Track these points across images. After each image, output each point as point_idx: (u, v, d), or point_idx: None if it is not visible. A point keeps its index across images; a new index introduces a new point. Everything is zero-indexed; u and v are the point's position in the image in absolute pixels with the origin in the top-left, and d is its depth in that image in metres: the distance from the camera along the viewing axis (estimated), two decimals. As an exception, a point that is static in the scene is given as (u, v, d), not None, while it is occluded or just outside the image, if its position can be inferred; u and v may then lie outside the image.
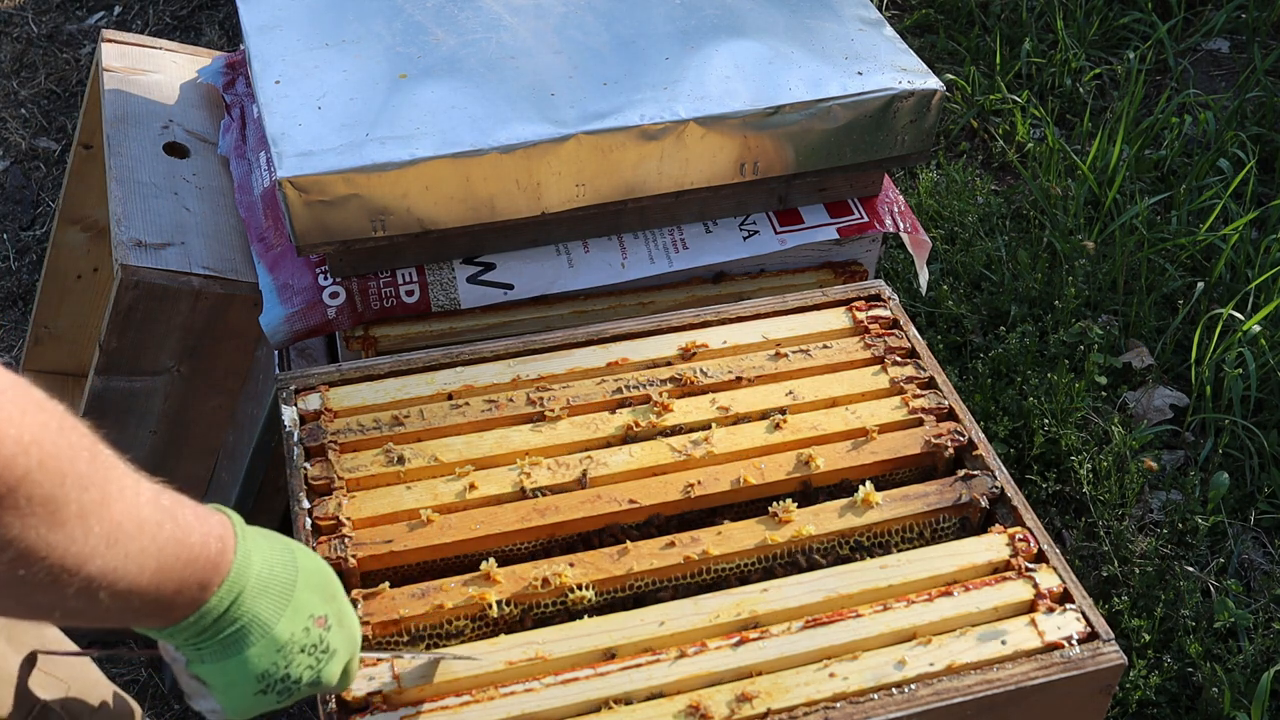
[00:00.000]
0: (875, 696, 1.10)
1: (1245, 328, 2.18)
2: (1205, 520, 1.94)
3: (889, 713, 1.09)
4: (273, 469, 1.78)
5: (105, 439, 0.75)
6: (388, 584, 1.18)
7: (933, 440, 1.33)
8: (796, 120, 1.56)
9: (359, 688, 1.08)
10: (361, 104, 1.50)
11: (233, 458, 1.79)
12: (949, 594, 1.17)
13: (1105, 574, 1.89)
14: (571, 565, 1.20)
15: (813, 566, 1.23)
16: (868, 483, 1.27)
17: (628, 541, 1.22)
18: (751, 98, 1.54)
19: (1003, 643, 1.14)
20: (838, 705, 1.09)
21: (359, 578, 1.21)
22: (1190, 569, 1.89)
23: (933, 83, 1.59)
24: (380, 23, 1.64)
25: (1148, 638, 1.79)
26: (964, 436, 1.33)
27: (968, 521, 1.29)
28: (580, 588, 1.19)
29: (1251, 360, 2.14)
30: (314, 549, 1.19)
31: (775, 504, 1.25)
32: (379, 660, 1.11)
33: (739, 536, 1.23)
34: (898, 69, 1.60)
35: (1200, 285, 2.31)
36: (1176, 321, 2.28)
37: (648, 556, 1.21)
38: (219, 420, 1.79)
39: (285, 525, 1.40)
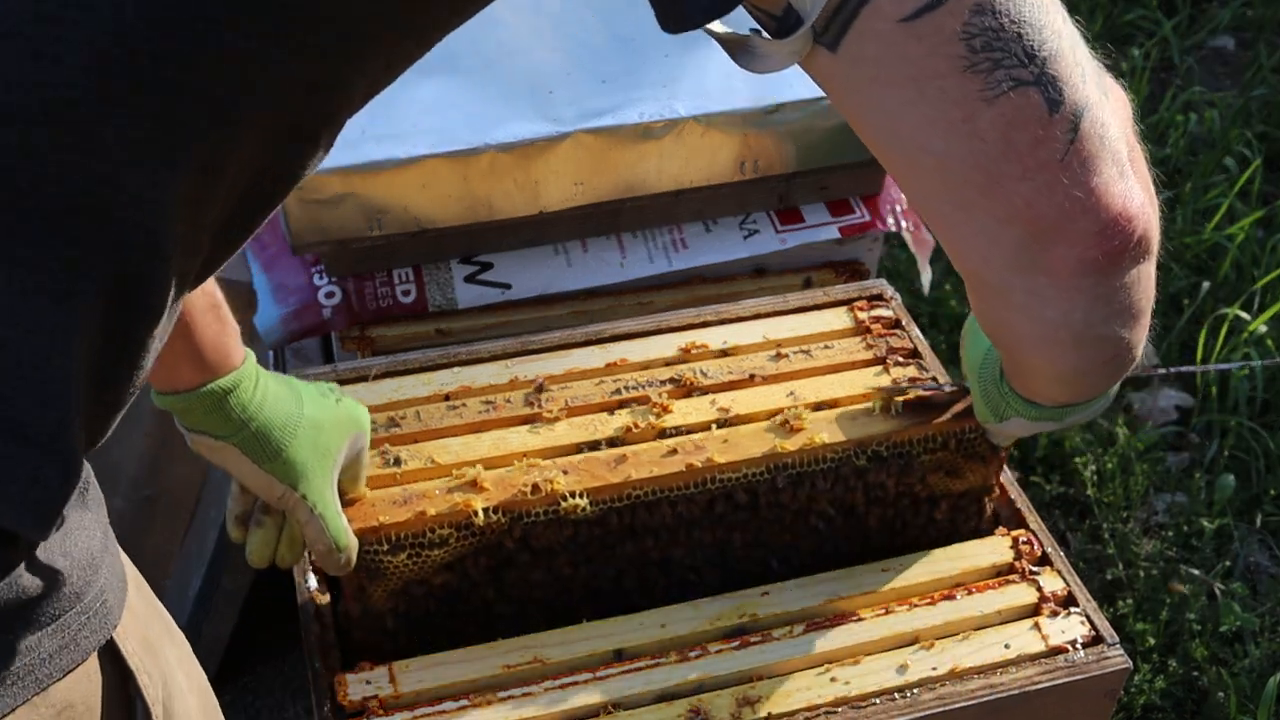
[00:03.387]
0: (877, 701, 1.08)
1: (1251, 328, 2.17)
2: (1211, 523, 1.92)
3: (891, 717, 1.08)
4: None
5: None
6: (366, 490, 1.13)
7: (935, 441, 1.31)
8: (797, 118, 1.54)
9: (355, 692, 1.07)
10: (358, 102, 1.49)
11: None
12: (952, 597, 1.16)
13: (1110, 577, 1.88)
14: (565, 473, 1.15)
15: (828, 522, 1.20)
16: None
17: (625, 449, 1.17)
18: (751, 95, 1.53)
19: (1006, 646, 1.13)
20: (839, 710, 1.08)
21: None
22: (1195, 572, 1.88)
23: (935, 80, 1.57)
24: (377, 20, 1.63)
25: (1153, 641, 1.78)
26: (967, 437, 1.32)
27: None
28: (574, 495, 1.14)
29: (1258, 360, 2.12)
30: None
31: (787, 410, 1.22)
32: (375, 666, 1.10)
33: (746, 444, 1.17)
34: (900, 66, 1.58)
35: (1206, 285, 2.30)
36: (1181, 322, 2.26)
37: (647, 464, 1.16)
38: (215, 421, 1.77)
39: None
